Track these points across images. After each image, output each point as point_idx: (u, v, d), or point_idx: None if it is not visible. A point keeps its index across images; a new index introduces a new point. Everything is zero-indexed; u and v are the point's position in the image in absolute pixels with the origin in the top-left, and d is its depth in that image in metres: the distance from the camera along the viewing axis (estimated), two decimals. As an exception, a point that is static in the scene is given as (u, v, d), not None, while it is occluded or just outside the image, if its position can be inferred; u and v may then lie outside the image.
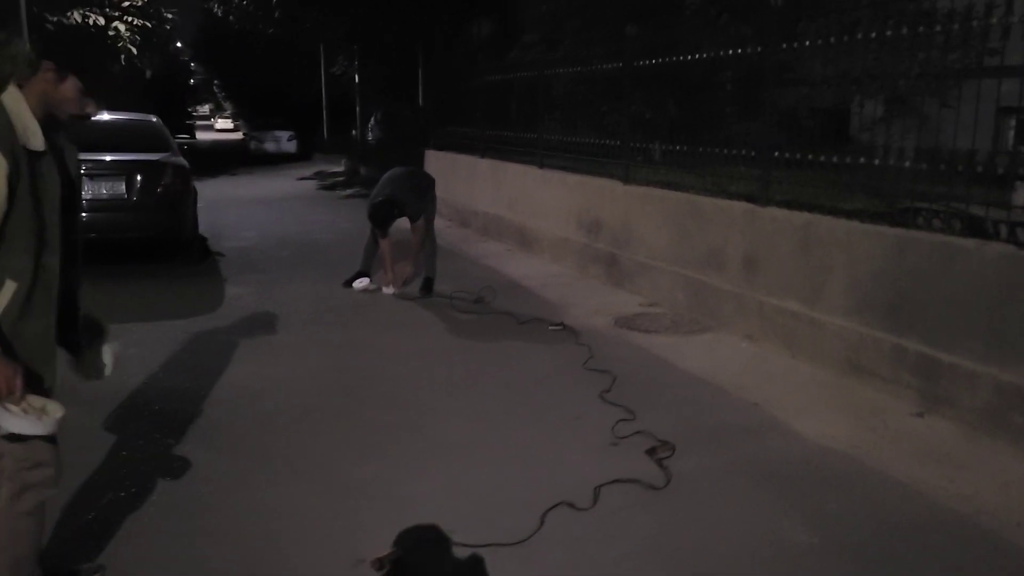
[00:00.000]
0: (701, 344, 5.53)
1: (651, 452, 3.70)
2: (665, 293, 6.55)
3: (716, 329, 5.80)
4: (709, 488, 3.41)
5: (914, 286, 4.36)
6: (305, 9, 20.36)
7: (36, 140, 2.14)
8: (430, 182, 7.31)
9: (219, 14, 30.71)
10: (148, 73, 28.60)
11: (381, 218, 6.92)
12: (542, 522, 3.06)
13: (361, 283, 7.20)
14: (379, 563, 2.73)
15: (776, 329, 5.32)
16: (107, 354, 2.60)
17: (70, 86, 2.25)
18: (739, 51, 5.92)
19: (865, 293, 4.67)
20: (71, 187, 2.35)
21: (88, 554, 2.80)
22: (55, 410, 2.22)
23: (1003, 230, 4.16)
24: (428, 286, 7.03)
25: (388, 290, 7.05)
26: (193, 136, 40.35)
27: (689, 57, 6.42)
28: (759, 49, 5.68)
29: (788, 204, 5.46)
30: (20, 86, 2.16)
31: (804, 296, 5.12)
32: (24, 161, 2.10)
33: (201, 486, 3.39)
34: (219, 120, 73.71)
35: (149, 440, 3.84)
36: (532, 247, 9.11)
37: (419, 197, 7.00)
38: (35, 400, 2.19)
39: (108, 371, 2.62)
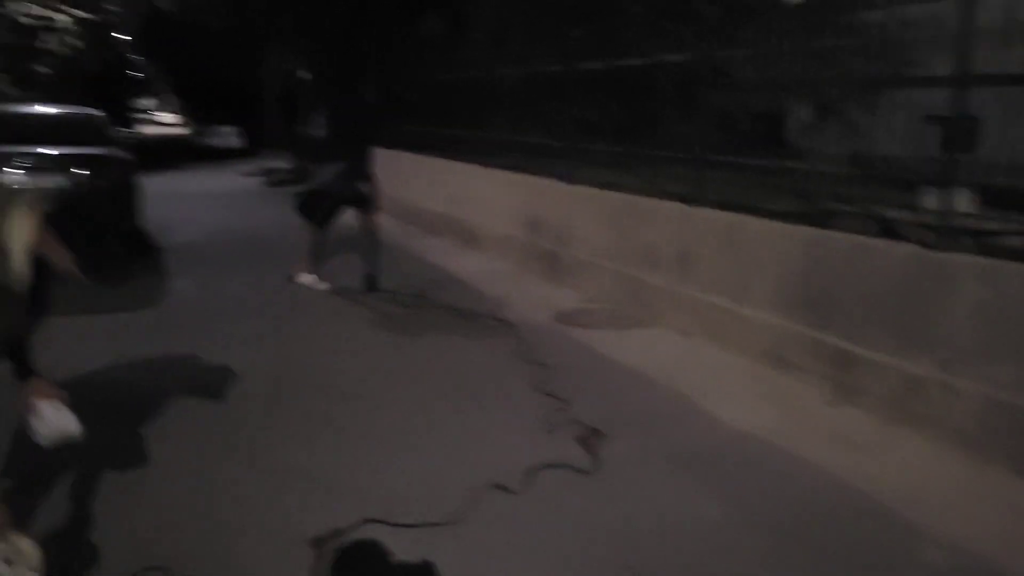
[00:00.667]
0: (636, 338, 5.76)
1: (580, 439, 3.90)
2: (604, 289, 6.78)
3: (651, 324, 6.03)
4: (634, 471, 3.61)
5: (831, 283, 4.63)
6: (250, 2, 20.18)
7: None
8: (367, 175, 7.35)
9: (163, 7, 30.18)
10: (90, 66, 28.00)
11: (309, 209, 7.01)
12: (475, 503, 3.22)
13: (305, 278, 7.27)
14: (317, 543, 2.87)
15: (707, 324, 5.57)
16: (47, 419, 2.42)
17: (61, 252, 2.33)
18: (673, 57, 6.17)
19: (787, 290, 4.94)
20: None
21: (31, 538, 2.87)
22: (32, 555, 2.02)
23: (911, 232, 4.45)
24: (371, 282, 7.14)
25: (322, 286, 7.13)
26: (137, 131, 39.58)
27: (628, 62, 6.66)
28: (690, 56, 5.94)
29: (720, 204, 5.71)
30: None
31: (732, 292, 5.38)
32: None
33: (144, 472, 3.48)
34: (163, 114, 72.31)
35: (92, 428, 3.88)
36: (476, 244, 9.27)
37: (354, 188, 7.10)
38: (16, 540, 2.02)
39: (43, 438, 2.42)
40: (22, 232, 2.19)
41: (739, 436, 4.03)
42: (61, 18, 21.44)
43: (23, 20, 20.56)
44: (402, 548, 2.90)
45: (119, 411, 4.12)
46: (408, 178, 11.43)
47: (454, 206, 10.03)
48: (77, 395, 4.31)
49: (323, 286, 7.14)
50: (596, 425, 4.04)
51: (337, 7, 16.70)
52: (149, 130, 35.24)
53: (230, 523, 3.08)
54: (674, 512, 3.25)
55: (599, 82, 7.28)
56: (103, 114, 9.36)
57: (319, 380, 4.77)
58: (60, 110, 9.56)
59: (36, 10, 20.60)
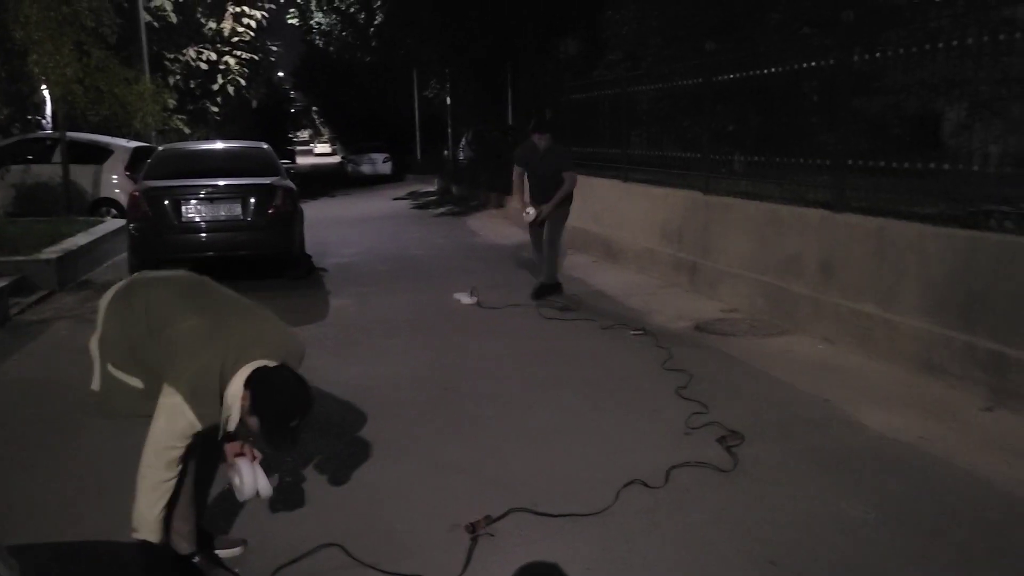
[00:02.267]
0: (778, 346, 5.74)
1: (721, 440, 3.98)
2: (745, 299, 6.78)
3: (794, 332, 5.99)
4: (774, 472, 3.67)
5: (983, 285, 4.50)
6: (400, 36, 21.30)
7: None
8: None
9: (319, 45, 32.17)
10: (254, 103, 30.29)
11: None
12: (617, 496, 3.40)
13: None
14: (472, 527, 3.13)
15: (851, 331, 5.49)
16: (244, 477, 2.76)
17: (255, 422, 2.53)
18: (812, 64, 6.15)
19: (937, 293, 4.82)
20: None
21: (223, 527, 3.27)
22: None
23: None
24: (540, 291, 7.50)
25: (469, 300, 7.50)
26: (294, 161, 42.31)
27: (765, 71, 6.67)
28: (831, 62, 5.89)
29: (864, 210, 5.62)
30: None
31: (879, 298, 5.29)
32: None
33: (317, 466, 3.86)
34: (318, 145, 76.84)
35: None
36: (617, 258, 9.42)
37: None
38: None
39: (239, 494, 2.76)
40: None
41: (885, 440, 4.00)
42: (230, 60, 23.35)
43: (199, 64, 22.55)
44: (547, 535, 3.12)
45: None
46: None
47: (596, 222, 10.22)
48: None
49: (470, 300, 7.52)
50: (736, 428, 4.12)
51: (477, 37, 17.39)
52: (306, 160, 37.49)
53: (395, 508, 3.39)
54: (815, 510, 3.30)
55: (736, 93, 7.31)
56: (268, 147, 10.17)
57: (472, 385, 5.08)
58: (232, 145, 10.50)
59: (208, 55, 22.56)
